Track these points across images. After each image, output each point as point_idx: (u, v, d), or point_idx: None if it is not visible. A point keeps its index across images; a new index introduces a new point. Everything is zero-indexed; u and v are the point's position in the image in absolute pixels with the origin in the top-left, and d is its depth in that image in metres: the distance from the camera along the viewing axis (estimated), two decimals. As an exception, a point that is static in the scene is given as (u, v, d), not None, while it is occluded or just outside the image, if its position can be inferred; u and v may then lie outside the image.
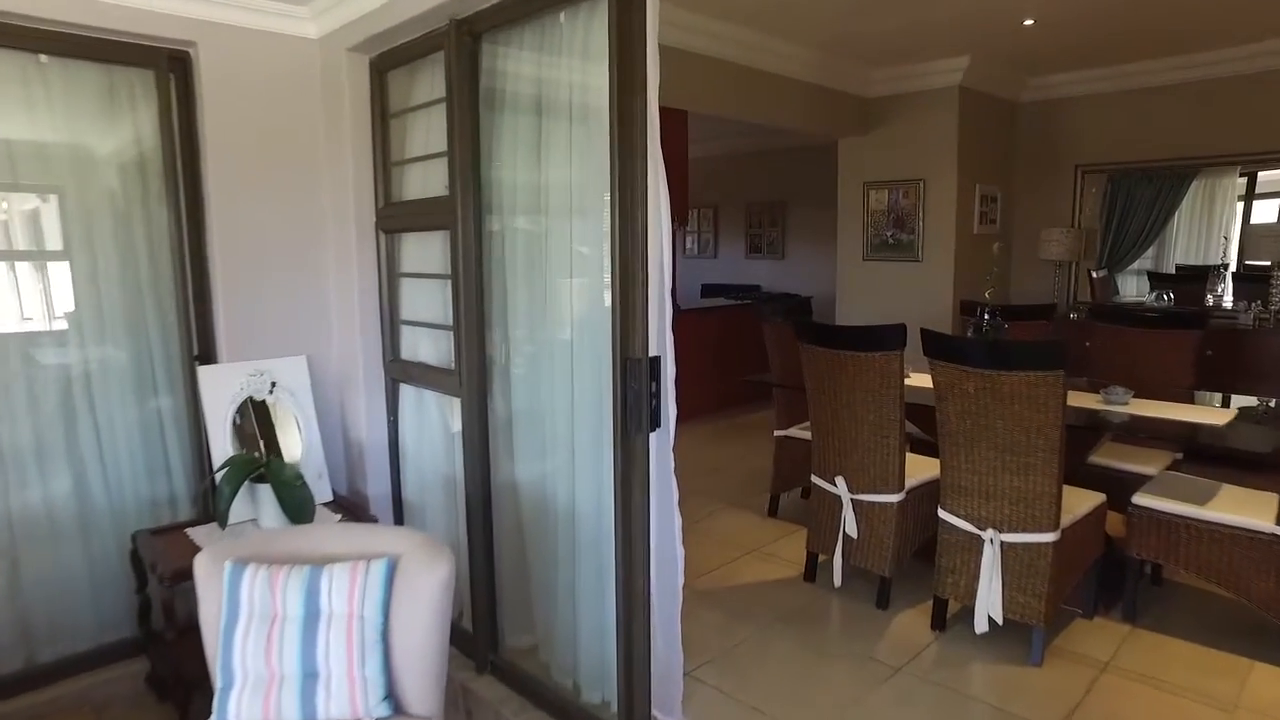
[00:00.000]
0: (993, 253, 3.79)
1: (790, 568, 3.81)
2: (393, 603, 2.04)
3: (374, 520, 3.00)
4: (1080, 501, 3.08)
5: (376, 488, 3.26)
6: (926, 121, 5.97)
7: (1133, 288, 6.65)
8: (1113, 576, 3.33)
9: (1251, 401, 3.69)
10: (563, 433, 2.57)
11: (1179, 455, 3.83)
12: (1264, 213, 5.82)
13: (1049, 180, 6.46)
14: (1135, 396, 3.52)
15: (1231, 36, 5.24)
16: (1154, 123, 5.93)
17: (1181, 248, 6.30)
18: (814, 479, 3.57)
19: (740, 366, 7.15)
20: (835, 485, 3.44)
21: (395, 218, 3.07)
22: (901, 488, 3.29)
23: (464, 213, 2.63)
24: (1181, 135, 5.83)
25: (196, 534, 2.75)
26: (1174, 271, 6.32)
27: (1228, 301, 6.00)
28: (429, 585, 2.03)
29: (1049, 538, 2.84)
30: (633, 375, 2.08)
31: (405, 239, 3.12)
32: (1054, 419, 2.72)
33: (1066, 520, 2.91)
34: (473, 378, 2.72)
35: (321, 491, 3.06)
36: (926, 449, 3.73)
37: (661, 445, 2.26)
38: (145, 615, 2.79)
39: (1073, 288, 6.55)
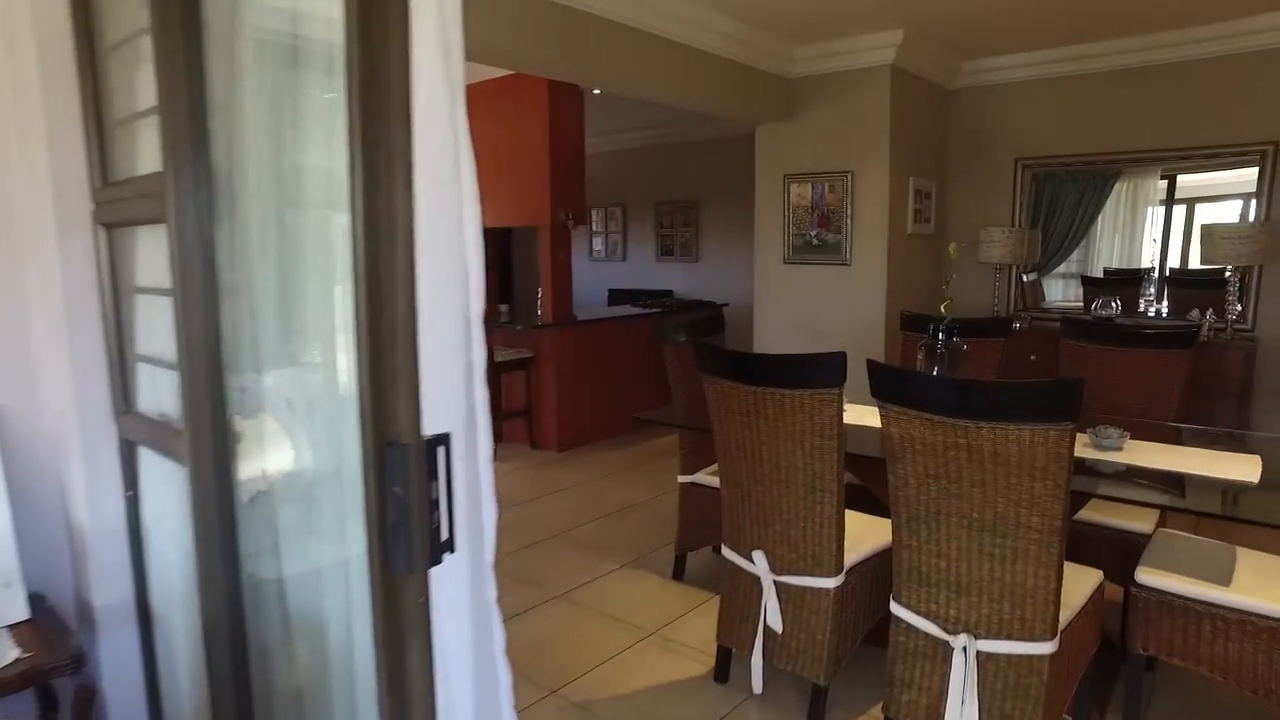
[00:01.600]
0: (949, 256, 3.01)
1: (698, 661, 2.96)
2: None
3: (79, 653, 2.02)
4: (1076, 585, 2.32)
5: (109, 594, 2.27)
6: (855, 106, 5.23)
7: (1059, 292, 6.15)
8: (1105, 661, 2.61)
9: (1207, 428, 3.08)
10: (333, 531, 1.67)
11: (1164, 498, 3.13)
12: (1208, 215, 5.32)
13: (986, 175, 5.81)
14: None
15: (1195, 15, 4.64)
16: (1100, 113, 5.32)
17: (1106, 251, 5.81)
18: (725, 552, 2.73)
19: (647, 385, 6.32)
20: (752, 562, 2.61)
21: (120, 204, 2.10)
22: (839, 569, 2.47)
23: (181, 197, 1.69)
24: (1131, 127, 5.23)
25: None
26: (1102, 276, 5.80)
27: (1154, 309, 5.51)
28: None
29: (1044, 649, 2.06)
30: (395, 472, 1.19)
31: (139, 236, 2.15)
32: (1056, 489, 1.93)
33: (1065, 617, 2.14)
34: (204, 440, 1.77)
35: (7, 609, 2.07)
36: (870, 502, 2.94)
37: (475, 578, 1.39)
38: None
39: (1012, 293, 5.92)
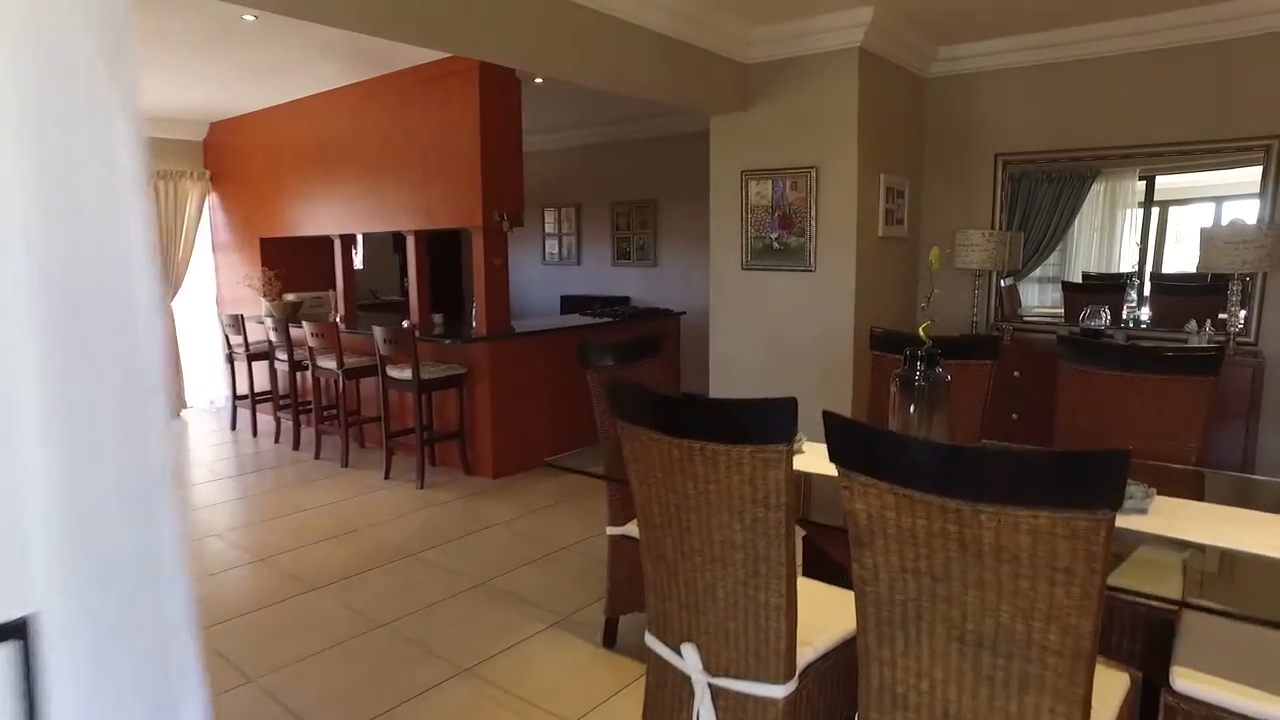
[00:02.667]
0: (930, 264, 2.47)
1: (622, 767, 2.39)
2: None
3: None
4: (1101, 701, 1.76)
5: None
6: (820, 94, 4.68)
7: (1034, 298, 5.67)
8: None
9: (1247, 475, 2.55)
10: None
11: (1185, 554, 2.62)
12: (1180, 218, 4.91)
13: (964, 172, 5.30)
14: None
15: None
16: (1087, 106, 4.82)
17: (1083, 255, 5.35)
18: (650, 640, 2.16)
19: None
20: (681, 658, 2.03)
21: None
22: (791, 673, 1.90)
23: None
24: (1120, 120, 4.74)
25: None
26: (1080, 280, 5.34)
27: (1136, 317, 5.06)
28: None
29: (1065, 808, 1.50)
30: None
31: None
32: (1084, 598, 1.38)
33: (1087, 754, 1.59)
34: None
35: None
36: (829, 567, 2.39)
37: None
38: None
39: (992, 302, 5.41)
